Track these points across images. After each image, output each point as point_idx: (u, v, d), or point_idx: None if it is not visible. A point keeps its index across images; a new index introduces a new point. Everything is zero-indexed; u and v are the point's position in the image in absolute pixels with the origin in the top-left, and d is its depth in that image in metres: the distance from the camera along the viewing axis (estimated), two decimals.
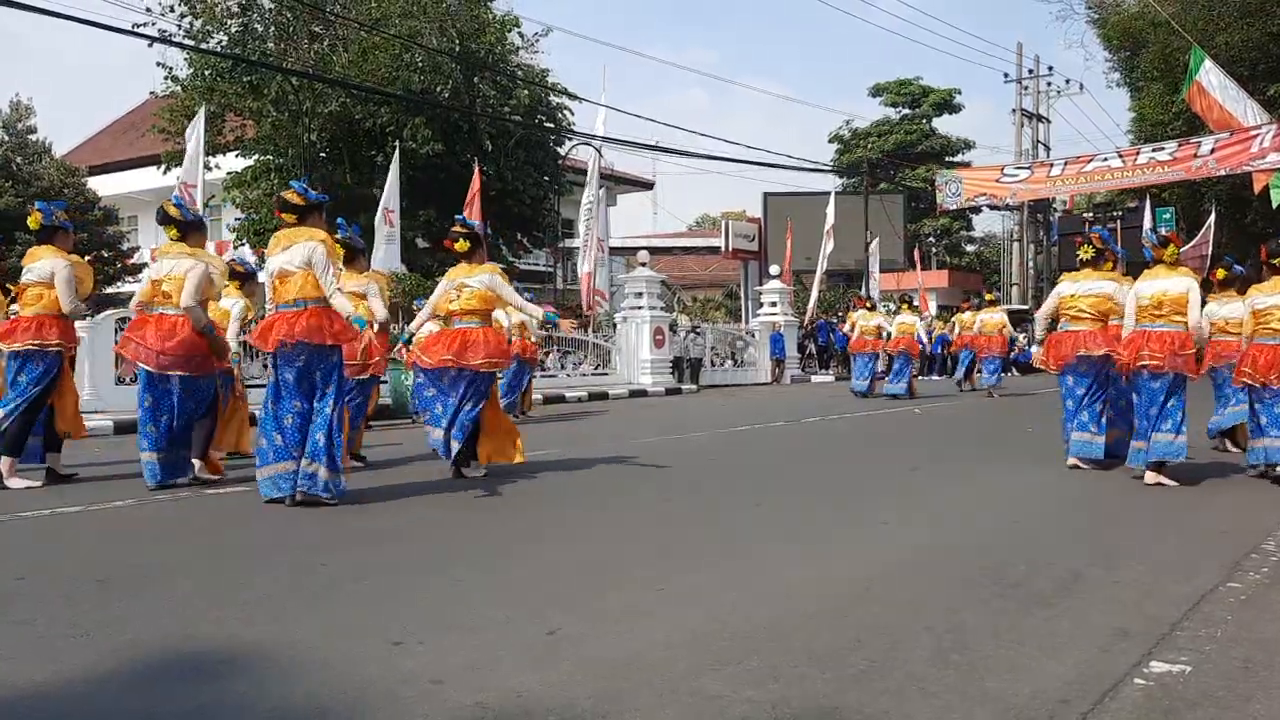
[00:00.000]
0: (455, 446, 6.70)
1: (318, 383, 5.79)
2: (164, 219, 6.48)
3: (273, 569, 4.24)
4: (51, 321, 6.62)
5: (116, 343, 6.47)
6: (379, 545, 4.77)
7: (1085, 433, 7.43)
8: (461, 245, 6.93)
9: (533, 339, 12.50)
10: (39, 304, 6.63)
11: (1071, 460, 7.45)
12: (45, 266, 6.65)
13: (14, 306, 7.14)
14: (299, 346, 5.69)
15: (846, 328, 20.38)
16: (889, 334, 17.26)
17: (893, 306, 18.70)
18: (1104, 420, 7.45)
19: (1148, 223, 25.30)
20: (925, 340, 18.43)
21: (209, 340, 6.38)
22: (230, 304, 7.61)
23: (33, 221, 6.75)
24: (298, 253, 5.76)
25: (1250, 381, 6.79)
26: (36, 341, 6.55)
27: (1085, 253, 7.53)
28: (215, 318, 6.86)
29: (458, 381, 6.69)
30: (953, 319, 21.55)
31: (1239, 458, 7.78)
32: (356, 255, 7.59)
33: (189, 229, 6.50)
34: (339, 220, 7.40)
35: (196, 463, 6.57)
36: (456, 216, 7.38)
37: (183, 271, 6.27)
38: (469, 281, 6.85)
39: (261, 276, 7.15)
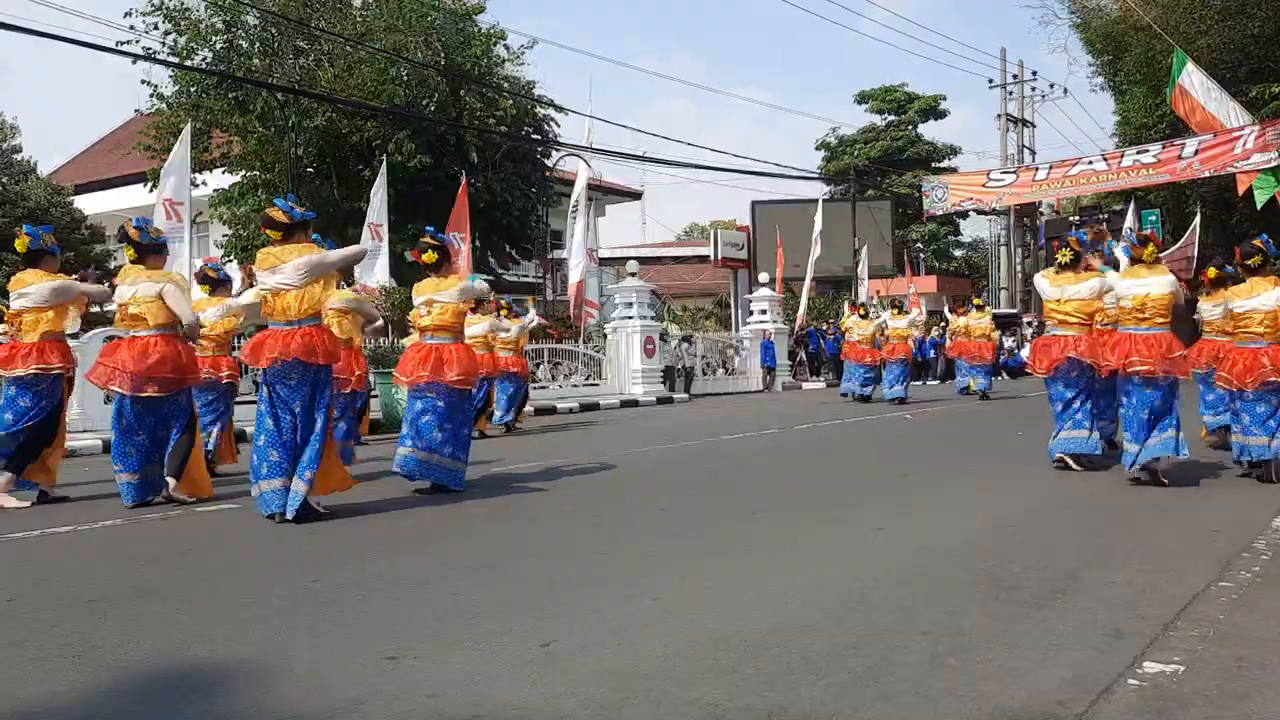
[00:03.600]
0: (448, 464, 6.69)
1: (308, 400, 5.76)
2: (123, 237, 6.45)
3: (266, 585, 4.22)
4: (52, 345, 6.64)
5: (86, 371, 6.39)
6: (372, 560, 4.75)
7: (1080, 430, 7.48)
8: (429, 257, 6.78)
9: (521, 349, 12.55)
10: (38, 328, 6.62)
11: (1059, 455, 7.50)
12: (40, 290, 6.63)
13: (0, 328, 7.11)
14: (293, 364, 5.68)
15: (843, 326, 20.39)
16: (885, 334, 17.39)
17: (884, 314, 18.75)
18: (1095, 417, 7.52)
19: (1130, 223, 25.44)
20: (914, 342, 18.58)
21: (186, 356, 6.39)
22: (214, 313, 7.60)
23: (20, 244, 6.72)
24: (290, 271, 5.72)
25: (1228, 386, 6.89)
26: (40, 366, 6.54)
27: (1064, 256, 7.58)
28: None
29: (434, 399, 6.69)
30: (943, 323, 21.58)
31: (1229, 455, 7.83)
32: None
33: (146, 251, 6.45)
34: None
35: (171, 481, 6.44)
36: (427, 228, 7.16)
37: (148, 294, 6.26)
38: (438, 297, 6.78)
39: (248, 295, 7.11)
